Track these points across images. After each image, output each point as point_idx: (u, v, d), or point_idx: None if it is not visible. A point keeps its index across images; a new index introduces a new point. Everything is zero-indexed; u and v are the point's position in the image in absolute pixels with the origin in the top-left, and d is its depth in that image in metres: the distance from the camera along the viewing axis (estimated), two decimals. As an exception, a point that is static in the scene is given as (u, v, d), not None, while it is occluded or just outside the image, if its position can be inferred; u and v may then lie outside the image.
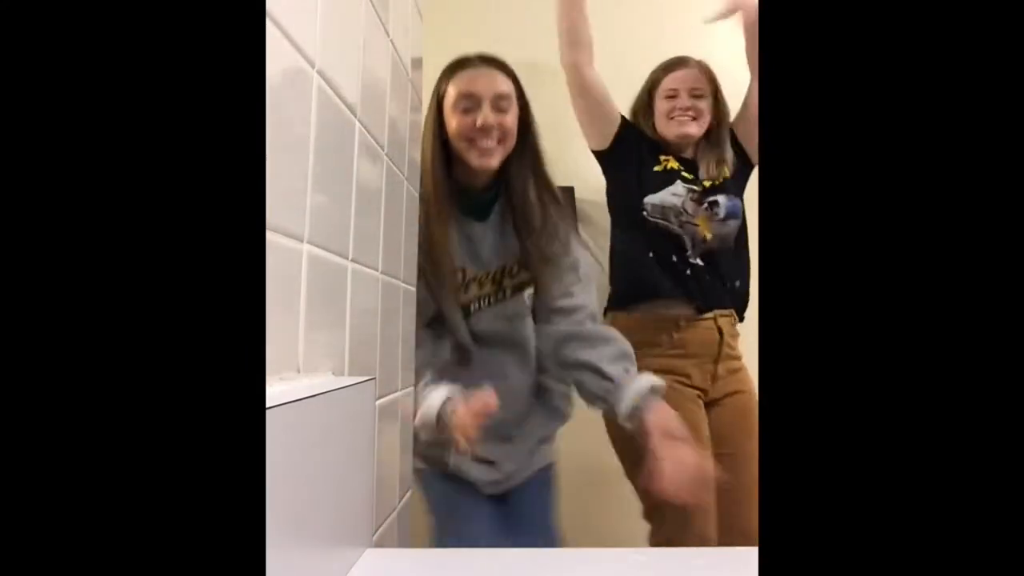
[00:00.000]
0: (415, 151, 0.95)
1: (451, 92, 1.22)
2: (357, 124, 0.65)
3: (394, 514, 0.81)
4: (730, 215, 1.58)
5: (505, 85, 1.22)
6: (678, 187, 1.56)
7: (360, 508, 0.63)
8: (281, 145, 0.47)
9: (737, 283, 1.59)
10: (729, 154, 1.62)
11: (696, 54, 1.65)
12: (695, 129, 1.60)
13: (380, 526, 0.73)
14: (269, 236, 0.45)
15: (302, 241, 0.52)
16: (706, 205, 1.57)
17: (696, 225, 1.58)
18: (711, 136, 1.63)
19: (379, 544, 0.72)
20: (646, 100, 1.65)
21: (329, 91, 0.57)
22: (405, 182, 0.88)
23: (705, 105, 1.60)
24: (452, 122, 1.21)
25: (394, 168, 0.82)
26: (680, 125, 1.60)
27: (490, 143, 1.20)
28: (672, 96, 1.61)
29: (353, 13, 0.65)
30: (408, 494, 0.91)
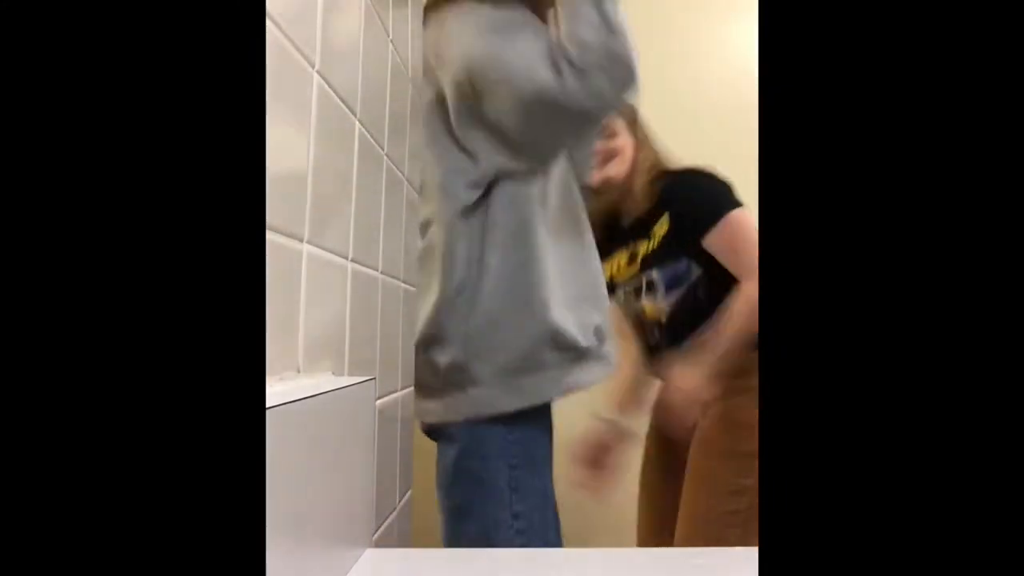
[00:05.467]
0: (415, 151, 0.95)
1: None
2: (357, 124, 0.65)
3: (394, 514, 0.81)
4: (671, 284, 1.42)
5: None
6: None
7: (360, 508, 0.63)
8: (281, 145, 0.47)
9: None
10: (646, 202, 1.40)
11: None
12: (614, 171, 1.42)
13: (380, 526, 0.73)
14: (269, 236, 0.45)
15: (302, 241, 0.52)
16: (644, 285, 1.44)
17: (645, 312, 1.47)
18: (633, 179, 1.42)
19: (379, 544, 0.72)
20: None
21: (329, 91, 0.57)
22: (405, 182, 0.88)
23: (623, 143, 1.42)
24: None
25: (394, 168, 0.82)
26: (600, 170, 1.41)
27: None
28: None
29: (353, 13, 0.65)
30: (408, 494, 0.91)
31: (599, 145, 1.42)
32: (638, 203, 1.44)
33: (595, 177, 1.44)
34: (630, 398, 1.53)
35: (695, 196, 1.40)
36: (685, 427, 1.40)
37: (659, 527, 1.48)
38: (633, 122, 1.47)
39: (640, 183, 1.43)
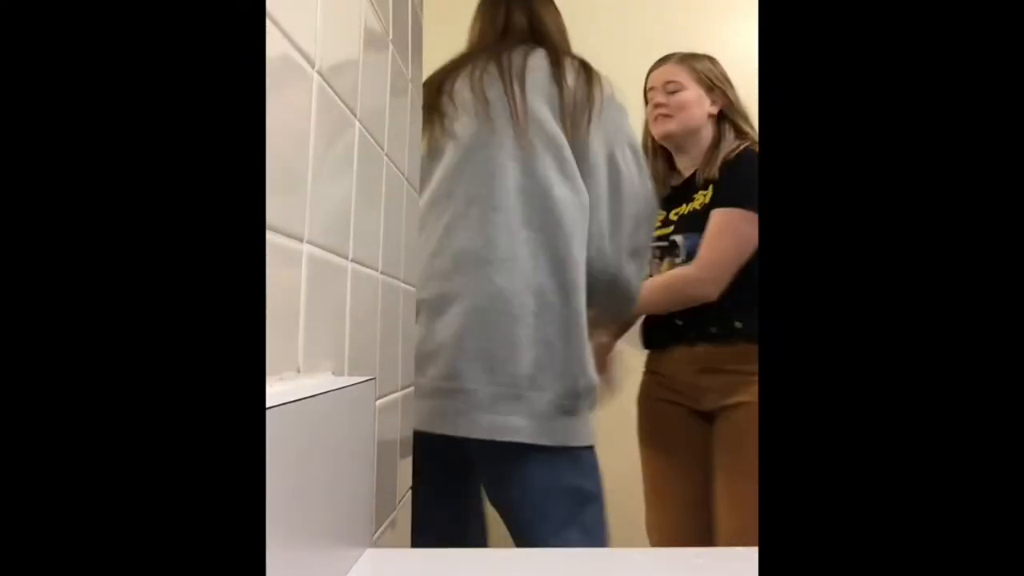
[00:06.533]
0: (415, 151, 0.95)
1: None
2: (357, 124, 0.65)
3: (394, 514, 0.81)
4: (692, 253, 1.42)
5: None
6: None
7: (360, 508, 0.63)
8: (281, 145, 0.47)
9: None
10: (720, 152, 1.43)
11: (707, 49, 1.53)
12: (674, 126, 1.46)
13: (380, 526, 0.73)
14: (269, 236, 0.45)
15: (302, 241, 0.52)
16: (669, 245, 1.45)
17: (663, 272, 1.46)
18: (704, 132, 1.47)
19: (379, 544, 0.72)
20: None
21: (329, 91, 0.57)
22: (405, 182, 0.88)
23: (688, 98, 1.46)
24: None
25: (394, 168, 0.82)
26: (659, 124, 1.48)
27: None
28: (650, 96, 1.51)
29: (353, 13, 0.65)
30: (408, 494, 0.91)
31: (660, 98, 1.47)
32: (696, 163, 1.46)
33: (655, 131, 1.50)
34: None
35: (742, 176, 1.40)
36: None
37: (670, 517, 1.47)
38: (707, 80, 1.47)
39: (706, 146, 1.45)
